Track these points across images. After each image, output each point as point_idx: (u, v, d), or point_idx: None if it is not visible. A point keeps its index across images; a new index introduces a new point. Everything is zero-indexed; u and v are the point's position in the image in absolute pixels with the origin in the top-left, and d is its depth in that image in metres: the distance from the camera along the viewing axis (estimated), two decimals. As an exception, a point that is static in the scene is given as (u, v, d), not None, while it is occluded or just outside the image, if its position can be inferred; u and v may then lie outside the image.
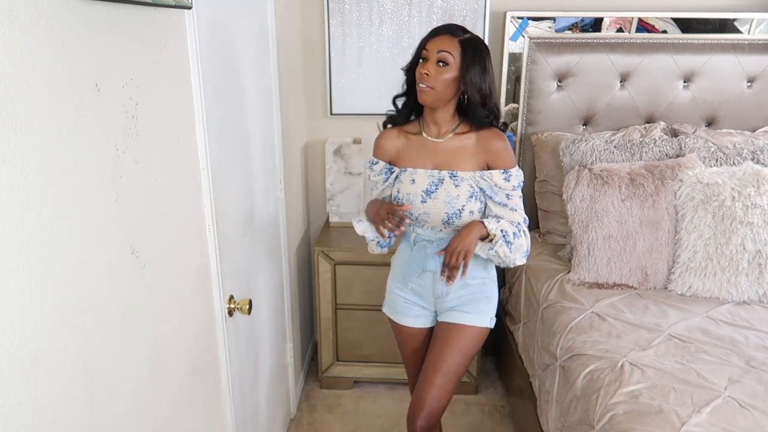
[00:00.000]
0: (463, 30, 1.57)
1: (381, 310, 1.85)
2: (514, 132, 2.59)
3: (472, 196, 1.60)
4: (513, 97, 2.60)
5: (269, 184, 2.05)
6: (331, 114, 2.67)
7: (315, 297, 2.61)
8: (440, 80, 1.53)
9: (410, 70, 1.63)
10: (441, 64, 1.53)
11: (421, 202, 1.61)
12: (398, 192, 1.65)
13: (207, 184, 1.32)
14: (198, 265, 1.31)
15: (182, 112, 1.20)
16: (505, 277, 2.63)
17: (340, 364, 2.65)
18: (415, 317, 1.76)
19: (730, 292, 1.97)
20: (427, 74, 1.53)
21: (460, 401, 2.58)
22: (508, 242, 1.57)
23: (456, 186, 1.59)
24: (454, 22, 1.62)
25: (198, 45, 1.24)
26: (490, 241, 1.57)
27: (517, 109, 2.56)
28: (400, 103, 1.69)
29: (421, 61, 1.57)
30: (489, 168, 1.61)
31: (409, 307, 1.75)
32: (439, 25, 1.60)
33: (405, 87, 1.67)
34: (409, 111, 1.69)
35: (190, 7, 1.18)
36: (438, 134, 1.64)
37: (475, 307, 1.68)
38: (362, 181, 2.62)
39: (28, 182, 0.70)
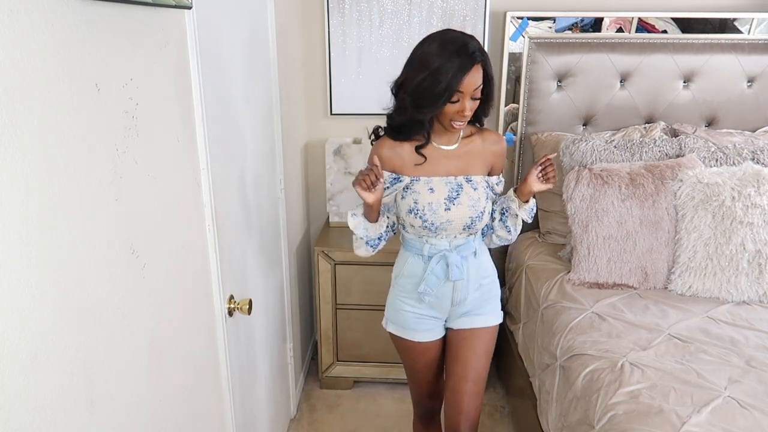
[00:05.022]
0: (476, 45, 1.45)
1: (382, 324, 1.78)
2: (514, 132, 2.59)
3: (487, 198, 1.63)
4: (513, 97, 2.60)
5: (269, 184, 2.05)
6: (331, 114, 2.67)
7: (315, 297, 2.61)
8: (472, 109, 1.49)
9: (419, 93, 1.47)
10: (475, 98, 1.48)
11: (445, 210, 1.58)
12: (415, 203, 1.58)
13: (207, 184, 1.32)
14: (198, 265, 1.31)
15: (182, 112, 1.20)
16: (505, 277, 2.64)
17: (340, 364, 2.65)
18: (429, 331, 1.72)
19: (730, 292, 1.97)
20: (468, 114, 1.48)
21: (460, 401, 2.58)
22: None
23: (474, 189, 1.60)
24: (452, 27, 1.55)
25: (198, 45, 1.25)
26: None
27: (517, 109, 2.56)
28: (396, 122, 1.58)
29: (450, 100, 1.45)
30: (491, 169, 1.67)
31: (422, 321, 1.70)
32: (457, 48, 1.42)
33: (402, 106, 1.53)
34: (409, 130, 1.57)
35: (190, 7, 1.18)
36: (449, 142, 1.61)
37: (488, 307, 1.71)
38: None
39: (28, 182, 0.70)
